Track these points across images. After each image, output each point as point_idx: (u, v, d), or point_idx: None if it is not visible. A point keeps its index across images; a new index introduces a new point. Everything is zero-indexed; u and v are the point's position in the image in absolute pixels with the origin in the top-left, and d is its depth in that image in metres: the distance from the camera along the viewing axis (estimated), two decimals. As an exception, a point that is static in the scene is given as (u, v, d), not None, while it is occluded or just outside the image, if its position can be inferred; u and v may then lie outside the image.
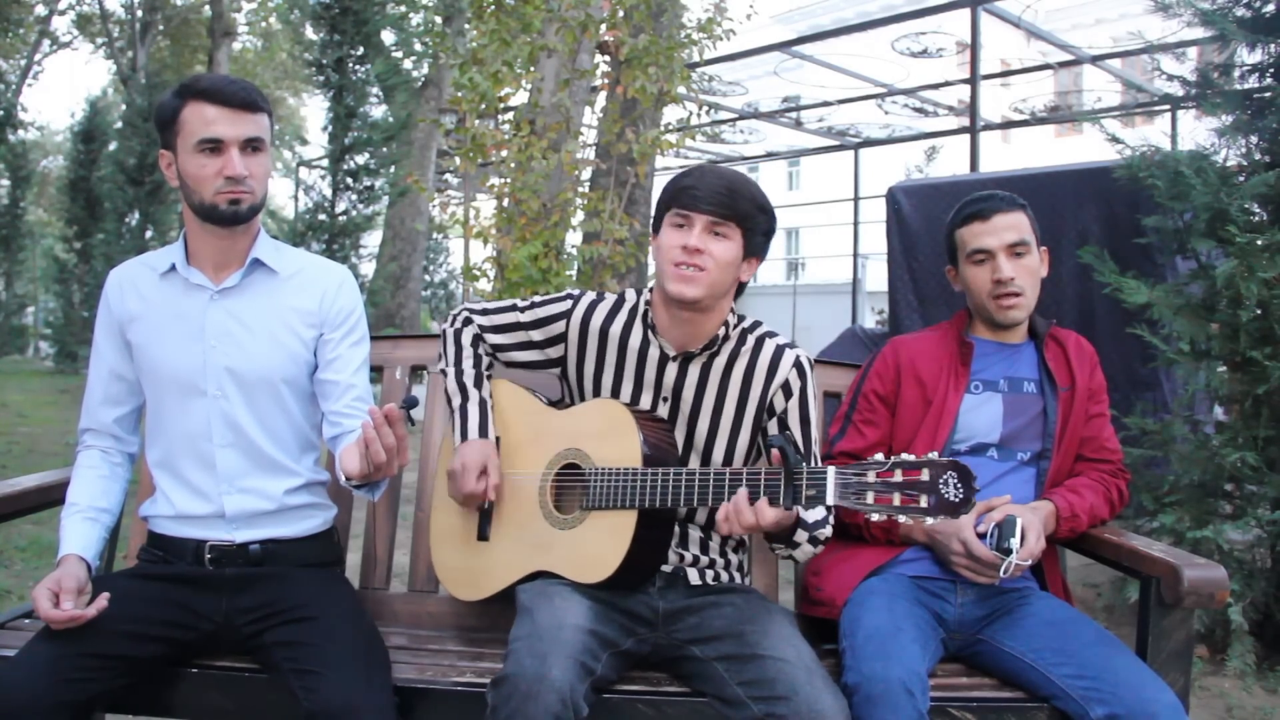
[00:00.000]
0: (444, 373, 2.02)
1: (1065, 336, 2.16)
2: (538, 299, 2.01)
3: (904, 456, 1.53)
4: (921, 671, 1.70)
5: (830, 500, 1.55)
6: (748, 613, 1.79)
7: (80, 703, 1.64)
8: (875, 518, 1.54)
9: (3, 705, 1.57)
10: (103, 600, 1.67)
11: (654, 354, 1.90)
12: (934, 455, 1.53)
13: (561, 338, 1.96)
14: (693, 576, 1.89)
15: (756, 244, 1.84)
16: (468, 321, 2.03)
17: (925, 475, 1.51)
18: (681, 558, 1.89)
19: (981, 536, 1.90)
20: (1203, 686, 3.25)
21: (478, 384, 1.99)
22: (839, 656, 1.81)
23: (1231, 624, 3.30)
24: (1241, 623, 3.29)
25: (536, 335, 1.98)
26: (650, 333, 1.91)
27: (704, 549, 1.91)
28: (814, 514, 1.76)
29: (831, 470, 1.56)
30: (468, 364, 2.00)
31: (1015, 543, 1.85)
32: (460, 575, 2.00)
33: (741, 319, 1.94)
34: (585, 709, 1.57)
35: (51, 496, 2.07)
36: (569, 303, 1.97)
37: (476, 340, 2.02)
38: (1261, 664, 3.34)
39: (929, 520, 1.51)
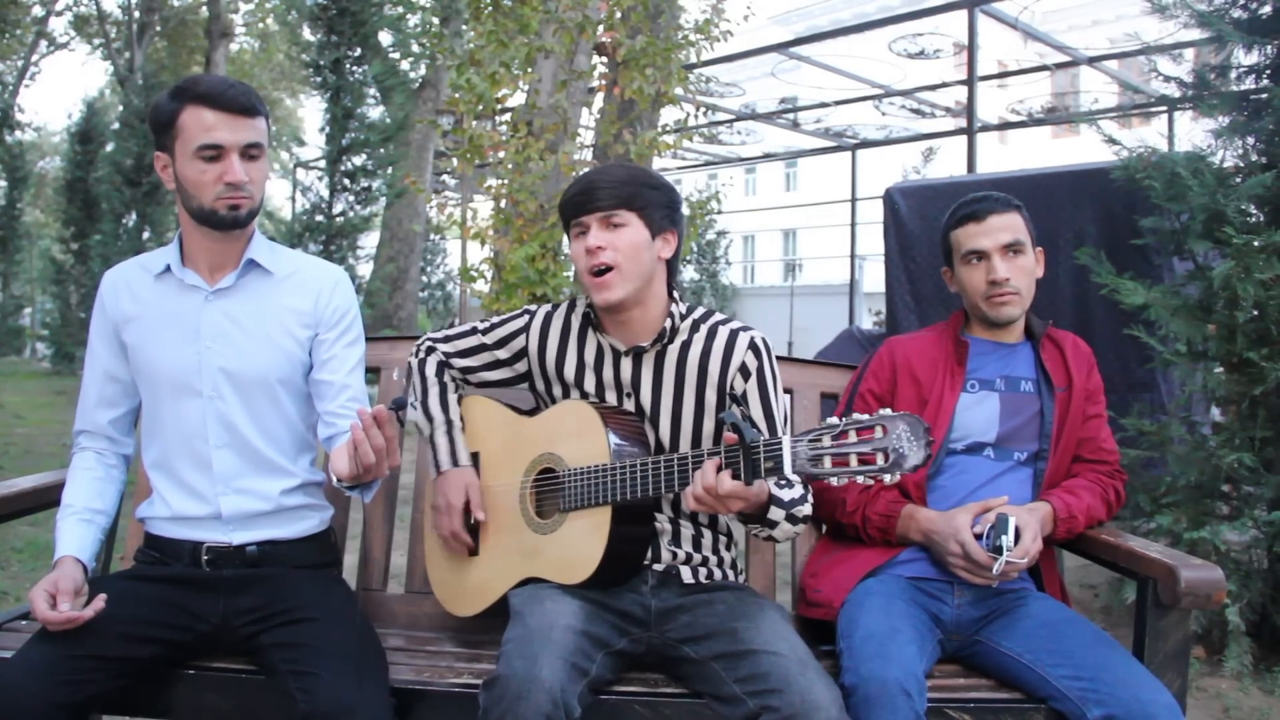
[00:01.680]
0: (413, 406, 2.04)
1: (1062, 337, 2.16)
2: (495, 320, 2.05)
3: (856, 416, 1.52)
4: (919, 672, 1.70)
5: (788, 470, 1.54)
6: (739, 609, 1.80)
7: (77, 704, 1.64)
8: (835, 482, 1.52)
9: (0, 706, 1.57)
10: (100, 601, 1.67)
11: (607, 353, 1.93)
12: (886, 410, 1.52)
13: (524, 351, 2.00)
14: (685, 575, 1.89)
15: (660, 219, 1.87)
16: (430, 350, 2.06)
17: (879, 431, 1.49)
18: (674, 555, 1.89)
19: (979, 537, 1.90)
20: (1200, 687, 3.25)
21: (444, 408, 2.01)
22: (836, 657, 1.81)
23: (1228, 625, 3.30)
24: (1238, 623, 3.29)
25: (502, 354, 2.02)
26: (597, 333, 1.94)
27: (696, 546, 1.91)
28: (789, 492, 1.76)
29: (787, 439, 1.55)
30: (433, 392, 2.03)
31: (1008, 541, 1.85)
32: (455, 593, 2.02)
33: (692, 309, 1.95)
34: (577, 710, 1.57)
35: (48, 498, 2.06)
36: (526, 317, 2.02)
37: (441, 368, 2.05)
38: (1258, 665, 3.34)
39: (888, 477, 1.49)
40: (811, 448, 1.53)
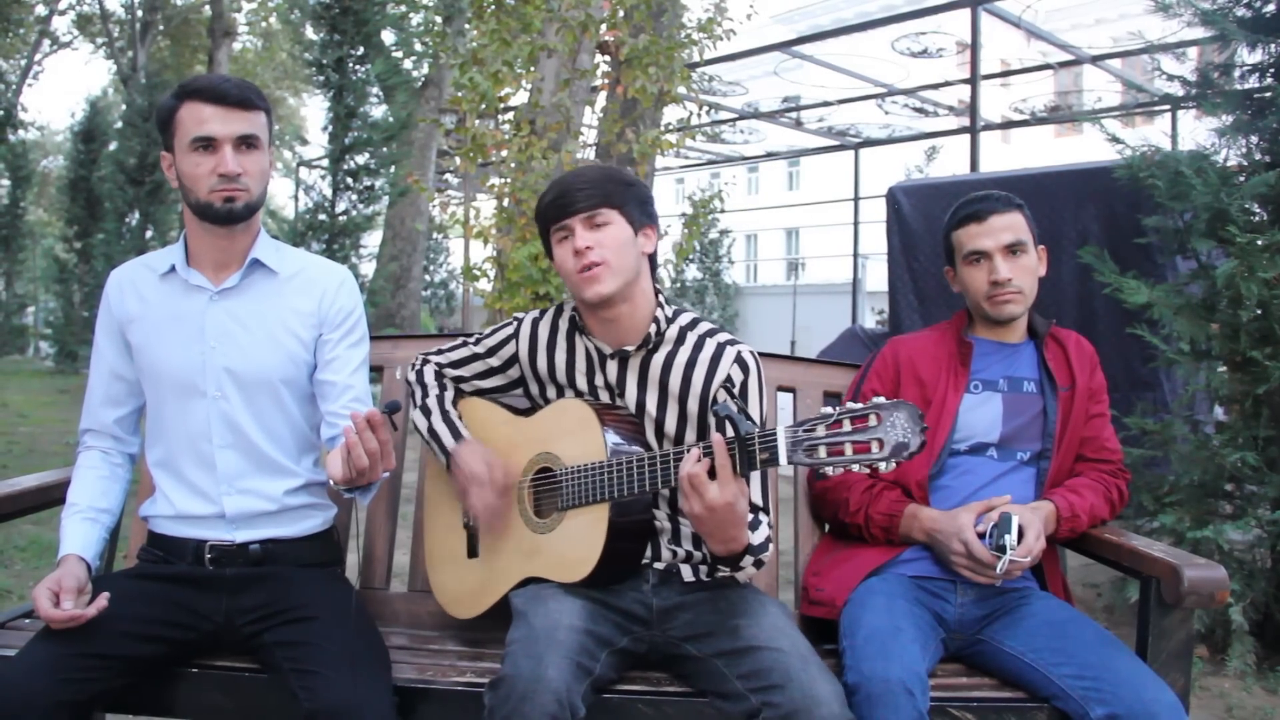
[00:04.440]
0: (414, 406, 2.04)
1: (1065, 336, 2.16)
2: (484, 331, 2.07)
3: (850, 405, 1.52)
4: (921, 671, 1.70)
5: (783, 459, 1.53)
6: (741, 606, 1.80)
7: (80, 702, 1.64)
8: (831, 472, 1.52)
9: (3, 704, 1.57)
10: (103, 600, 1.67)
11: (595, 355, 1.93)
12: (880, 399, 1.51)
13: (515, 357, 2.01)
14: (686, 573, 1.89)
15: (638, 215, 1.88)
16: (425, 363, 2.09)
17: (873, 420, 1.49)
18: (674, 554, 1.89)
19: (981, 536, 1.90)
20: (1203, 687, 3.25)
21: (440, 401, 2.02)
22: (839, 656, 1.81)
23: (1232, 624, 3.30)
24: (1242, 623, 3.29)
25: (494, 361, 2.04)
26: (584, 336, 1.94)
27: (697, 544, 1.91)
28: (758, 535, 1.75)
29: (781, 428, 1.54)
30: (432, 393, 2.04)
31: (1011, 539, 1.85)
32: (456, 596, 2.02)
33: (679, 313, 1.95)
34: (582, 709, 1.57)
35: (51, 496, 2.07)
36: (514, 325, 2.03)
37: (439, 375, 2.07)
38: (1261, 664, 3.34)
39: (884, 466, 1.49)
40: (806, 437, 1.53)
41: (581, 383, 1.94)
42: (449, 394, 2.05)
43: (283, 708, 1.70)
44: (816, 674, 1.62)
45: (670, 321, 1.92)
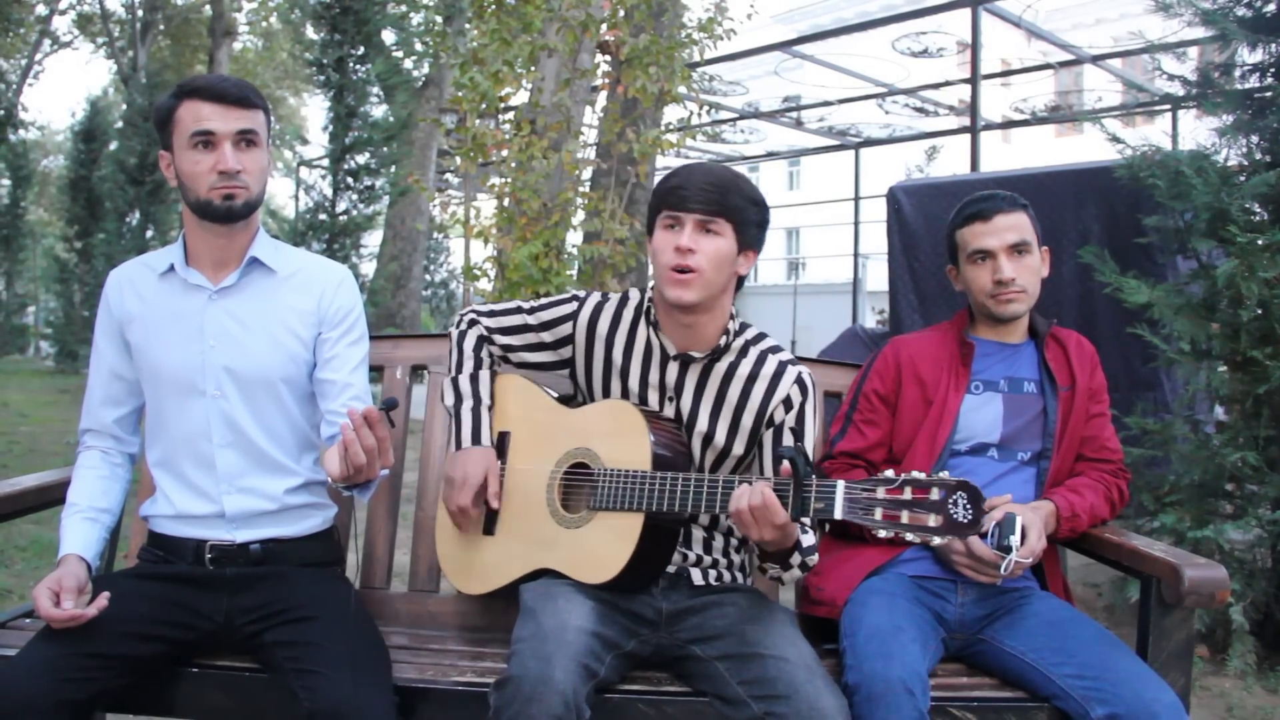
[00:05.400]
0: (447, 375, 2.02)
1: (1066, 336, 2.16)
2: (543, 301, 2.01)
3: (914, 475, 1.52)
4: (922, 671, 1.70)
5: (838, 514, 1.55)
6: (750, 612, 1.79)
7: (81, 702, 1.64)
8: (882, 534, 1.53)
9: (3, 704, 1.57)
10: (103, 600, 1.67)
11: (657, 352, 1.90)
12: (945, 475, 1.52)
13: (569, 339, 1.97)
14: (696, 577, 1.88)
15: (750, 236, 1.84)
16: (473, 323, 2.03)
17: (934, 495, 1.50)
18: (685, 557, 1.89)
19: (982, 536, 1.90)
20: (1203, 686, 3.25)
21: (474, 384, 1.98)
22: (840, 656, 1.81)
23: (1232, 624, 3.30)
24: (1242, 622, 3.29)
25: (547, 337, 1.99)
26: (654, 330, 1.91)
27: (707, 549, 1.91)
28: (808, 538, 1.76)
29: (841, 484, 1.55)
30: (467, 367, 2.00)
31: (1015, 540, 1.85)
32: (463, 568, 2.00)
33: (745, 328, 1.94)
34: (587, 711, 1.57)
35: (52, 496, 2.07)
36: (575, 304, 1.97)
37: (481, 343, 2.02)
38: (1262, 664, 3.34)
39: (935, 540, 1.51)
40: (865, 496, 1.54)
41: (634, 378, 1.91)
42: (485, 375, 2.00)
43: (283, 708, 1.70)
44: (823, 687, 1.61)
45: (737, 334, 1.91)
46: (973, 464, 2.06)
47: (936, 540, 1.51)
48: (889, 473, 1.54)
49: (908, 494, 1.51)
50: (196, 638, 1.81)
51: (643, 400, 1.91)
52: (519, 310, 2.01)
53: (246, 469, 1.89)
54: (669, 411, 1.90)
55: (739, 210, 1.80)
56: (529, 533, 1.90)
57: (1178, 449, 3.54)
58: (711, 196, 1.78)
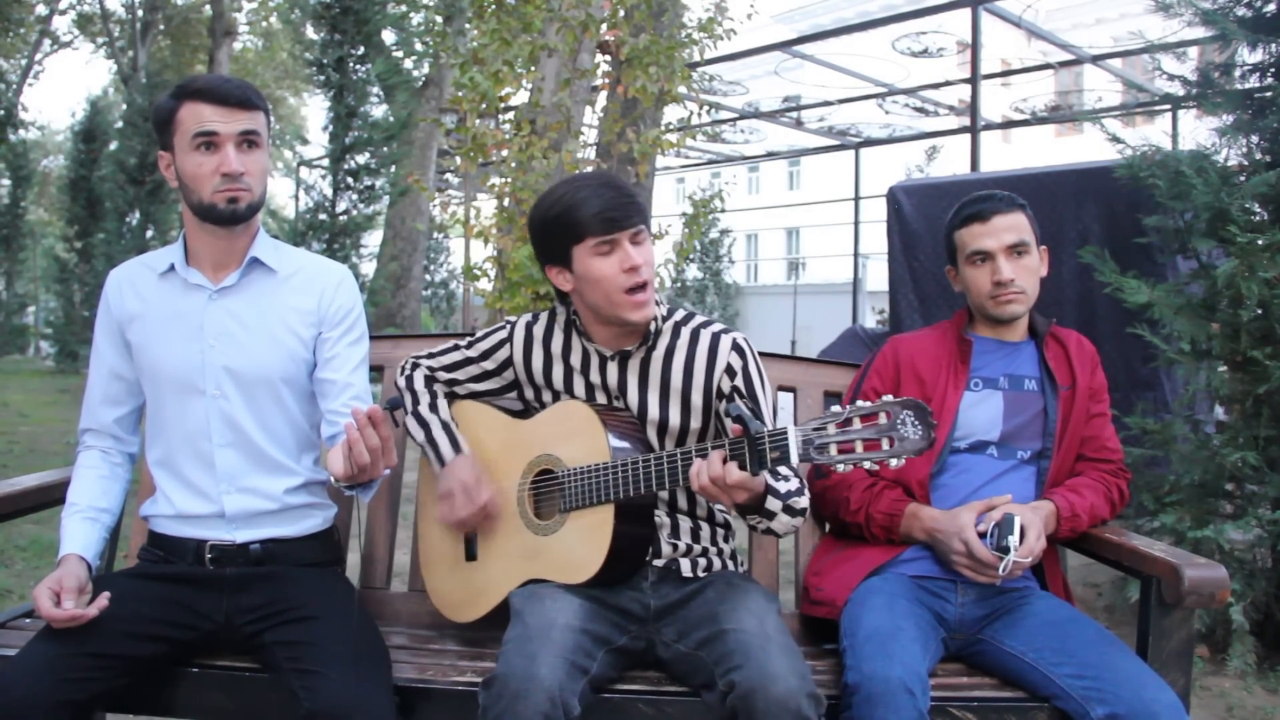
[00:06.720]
0: (406, 413, 2.04)
1: (1066, 335, 2.16)
2: (478, 335, 2.06)
3: (859, 403, 1.54)
4: (922, 671, 1.70)
5: (794, 459, 1.55)
6: (726, 593, 1.81)
7: (81, 702, 1.64)
8: (841, 469, 1.54)
9: (3, 704, 1.57)
10: (103, 599, 1.67)
11: (595, 357, 1.93)
12: (888, 397, 1.54)
13: (509, 361, 2.01)
14: (685, 568, 1.89)
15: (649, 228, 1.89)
16: (415, 367, 2.08)
17: (883, 418, 1.52)
18: (674, 548, 1.89)
19: (982, 536, 1.90)
20: (1203, 686, 3.25)
21: (435, 410, 2.02)
22: (840, 656, 1.81)
23: (1232, 624, 3.30)
24: (1242, 622, 3.29)
25: (489, 365, 2.03)
26: (583, 339, 1.93)
27: (695, 538, 1.92)
28: (786, 484, 1.75)
29: (792, 429, 1.56)
30: (424, 400, 2.03)
31: (1014, 540, 1.85)
32: (454, 599, 2.02)
33: (672, 310, 1.96)
34: (577, 709, 1.57)
35: (52, 496, 2.07)
36: (507, 329, 2.02)
37: (429, 380, 2.06)
38: (1262, 664, 3.34)
39: (894, 462, 1.51)
40: (817, 435, 1.54)
41: (579, 386, 1.94)
42: (442, 402, 2.04)
43: (283, 708, 1.70)
44: (775, 651, 1.60)
45: (665, 319, 1.93)
46: (972, 462, 2.06)
47: (895, 463, 1.51)
48: (835, 407, 1.56)
49: (857, 424, 1.53)
50: (196, 638, 1.81)
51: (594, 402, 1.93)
52: (456, 348, 2.06)
53: (246, 469, 1.89)
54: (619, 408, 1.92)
55: (644, 210, 1.84)
56: (510, 548, 1.91)
57: (1178, 449, 3.54)
58: (636, 207, 1.81)
